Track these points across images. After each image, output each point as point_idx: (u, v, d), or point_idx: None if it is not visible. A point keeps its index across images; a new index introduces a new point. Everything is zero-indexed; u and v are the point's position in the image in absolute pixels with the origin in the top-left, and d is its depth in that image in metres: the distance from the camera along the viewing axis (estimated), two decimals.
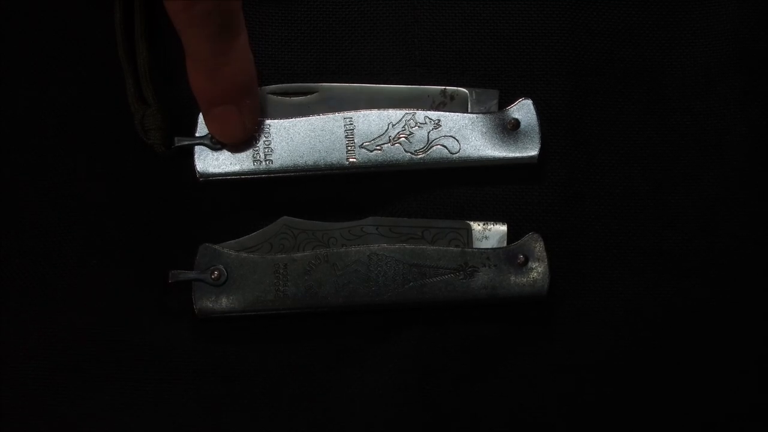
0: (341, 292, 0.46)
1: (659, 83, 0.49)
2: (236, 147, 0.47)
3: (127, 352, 0.47)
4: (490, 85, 0.49)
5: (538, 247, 0.47)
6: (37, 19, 0.49)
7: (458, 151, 0.48)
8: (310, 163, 0.48)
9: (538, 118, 0.48)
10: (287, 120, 0.48)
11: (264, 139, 0.48)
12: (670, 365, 0.47)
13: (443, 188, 0.48)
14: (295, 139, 0.48)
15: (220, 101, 0.45)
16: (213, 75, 0.43)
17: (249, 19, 0.48)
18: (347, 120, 0.48)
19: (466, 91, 0.49)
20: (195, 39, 0.42)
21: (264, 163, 0.48)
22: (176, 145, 0.47)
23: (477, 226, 0.48)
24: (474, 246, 0.47)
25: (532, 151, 0.48)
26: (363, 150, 0.48)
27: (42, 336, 0.47)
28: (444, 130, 0.48)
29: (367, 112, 0.48)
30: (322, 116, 0.48)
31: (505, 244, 0.47)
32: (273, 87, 0.48)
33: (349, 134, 0.48)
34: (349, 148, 0.48)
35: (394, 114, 0.48)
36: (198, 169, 0.47)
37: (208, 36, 0.41)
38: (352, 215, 0.48)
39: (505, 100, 0.49)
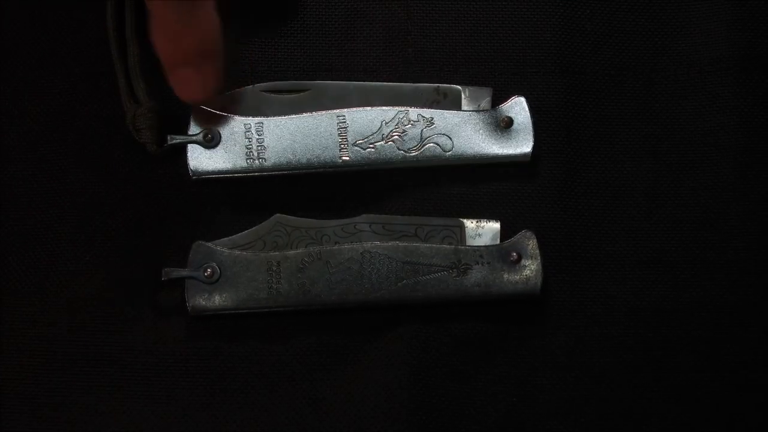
0: (334, 290, 0.46)
1: (652, 81, 0.49)
2: (201, 110, 0.47)
3: (120, 349, 0.47)
4: (483, 82, 0.49)
5: (532, 244, 0.47)
6: (29, 17, 0.49)
7: (451, 149, 0.48)
8: (303, 161, 0.48)
9: (531, 116, 0.48)
10: (280, 118, 0.48)
11: (257, 137, 0.48)
12: (664, 363, 0.47)
13: (436, 186, 0.48)
14: (288, 137, 0.48)
15: (182, 63, 0.44)
16: (176, 38, 0.43)
17: (243, 17, 0.49)
18: (340, 118, 0.48)
19: (460, 88, 0.49)
20: (160, 1, 0.42)
21: (257, 161, 0.47)
22: (169, 143, 0.47)
23: (470, 224, 0.48)
24: (467, 243, 0.47)
25: (526, 149, 0.48)
26: (356, 148, 0.48)
27: (35, 334, 0.47)
28: (437, 127, 0.48)
29: (360, 109, 0.48)
30: (315, 114, 0.48)
31: (498, 241, 0.47)
32: (266, 84, 0.48)
33: (342, 132, 0.48)
34: (342, 146, 0.48)
35: (387, 112, 0.48)
36: (191, 167, 0.47)
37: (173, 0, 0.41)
38: (345, 213, 0.48)
39: (499, 98, 0.49)
